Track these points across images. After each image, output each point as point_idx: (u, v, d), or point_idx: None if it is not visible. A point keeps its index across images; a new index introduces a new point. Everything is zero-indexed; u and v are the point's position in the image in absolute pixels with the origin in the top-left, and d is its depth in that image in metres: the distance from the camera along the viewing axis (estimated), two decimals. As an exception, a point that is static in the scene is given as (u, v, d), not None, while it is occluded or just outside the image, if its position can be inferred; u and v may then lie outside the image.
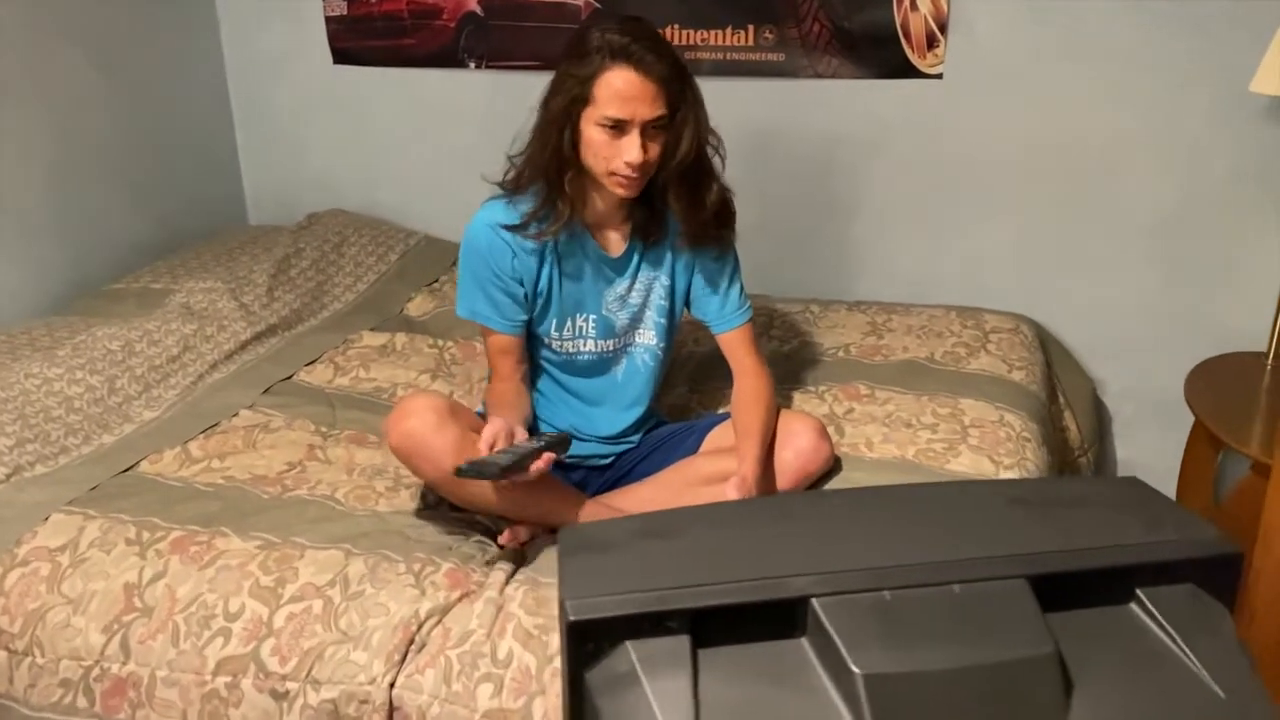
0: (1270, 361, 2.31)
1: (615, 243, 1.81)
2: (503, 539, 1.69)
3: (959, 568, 0.81)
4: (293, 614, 1.52)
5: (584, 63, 1.60)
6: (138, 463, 1.89)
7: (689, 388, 2.19)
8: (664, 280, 1.84)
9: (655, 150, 1.64)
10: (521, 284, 1.76)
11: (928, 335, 2.32)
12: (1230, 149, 2.29)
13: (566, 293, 1.79)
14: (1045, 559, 0.82)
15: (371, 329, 2.44)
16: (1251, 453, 2.00)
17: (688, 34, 2.56)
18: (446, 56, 2.76)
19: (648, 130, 1.61)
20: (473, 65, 2.75)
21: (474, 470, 1.51)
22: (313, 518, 1.71)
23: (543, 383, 1.89)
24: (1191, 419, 2.46)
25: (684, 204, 1.73)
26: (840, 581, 0.80)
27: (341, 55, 2.85)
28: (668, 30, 2.56)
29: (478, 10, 2.69)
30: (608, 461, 1.91)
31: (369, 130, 2.92)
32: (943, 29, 2.38)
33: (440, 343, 2.39)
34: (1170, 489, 2.50)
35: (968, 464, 1.83)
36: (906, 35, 2.41)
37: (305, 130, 2.98)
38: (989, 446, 1.89)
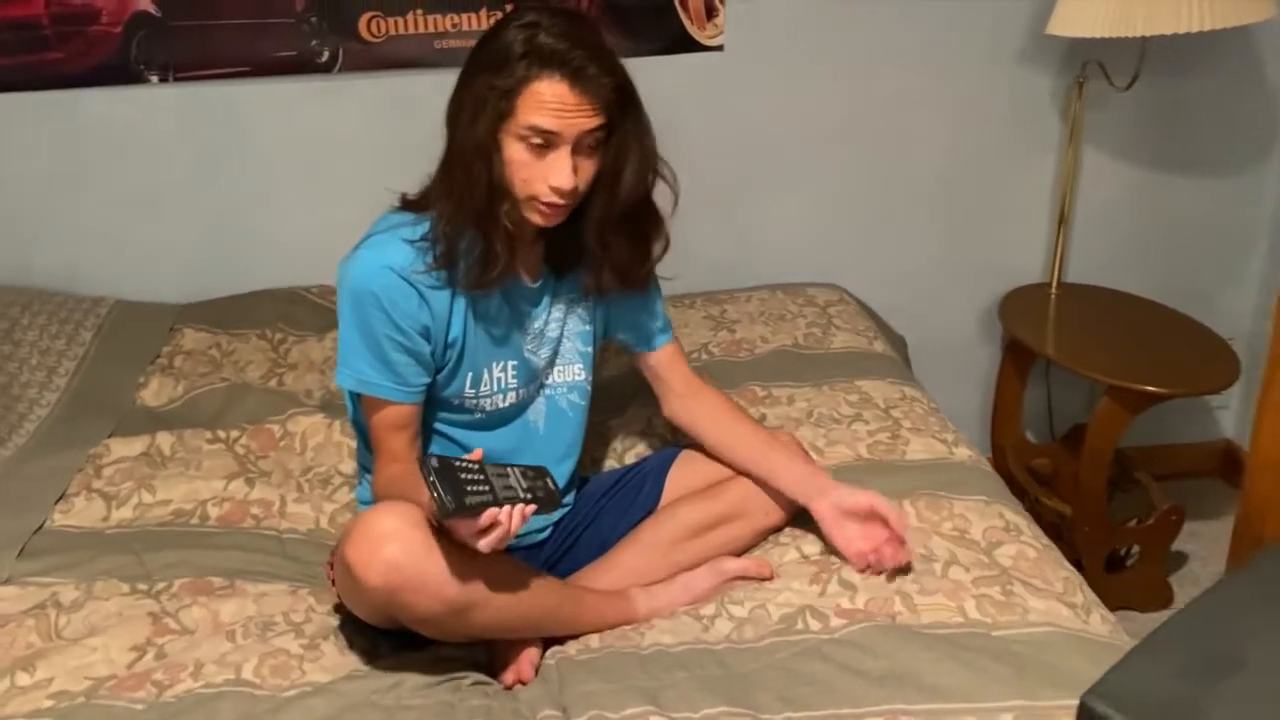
0: (1054, 290, 2.45)
1: (530, 268, 1.48)
2: (520, 673, 1.32)
3: None
4: None
5: (505, 72, 1.28)
6: (-109, 711, 1.25)
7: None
8: (585, 302, 1.54)
9: (589, 171, 1.35)
10: (428, 337, 1.38)
11: (773, 320, 2.18)
12: (999, 96, 2.37)
13: (483, 339, 1.44)
14: None
15: (112, 435, 1.85)
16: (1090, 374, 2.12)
17: (434, 20, 2.19)
18: (114, 71, 2.14)
19: (581, 147, 1.32)
20: (154, 79, 2.16)
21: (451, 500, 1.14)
22: (235, 720, 1.22)
23: (434, 448, 1.51)
24: (981, 361, 2.59)
25: (626, 255, 1.45)
26: None
27: (-48, 80, 2.13)
28: (410, 17, 2.18)
29: (151, 10, 2.11)
30: (544, 535, 1.57)
31: (6, 175, 2.22)
32: (720, -4, 2.24)
33: (221, 434, 1.85)
34: (974, 431, 2.60)
35: (922, 449, 1.72)
36: (684, 5, 2.23)
37: (-96, 186, 2.20)
38: (923, 426, 1.79)
